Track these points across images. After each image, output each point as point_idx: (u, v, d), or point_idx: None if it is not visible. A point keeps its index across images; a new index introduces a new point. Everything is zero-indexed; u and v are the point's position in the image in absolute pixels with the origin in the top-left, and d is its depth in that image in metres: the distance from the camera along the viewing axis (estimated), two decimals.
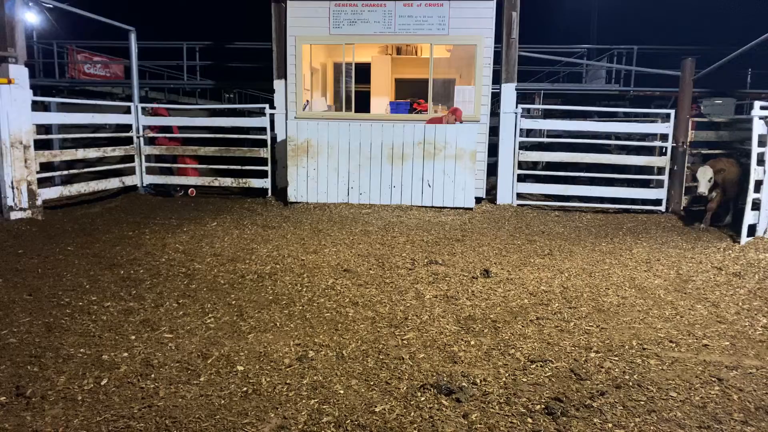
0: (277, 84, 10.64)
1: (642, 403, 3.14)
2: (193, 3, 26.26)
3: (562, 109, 12.93)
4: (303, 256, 6.22)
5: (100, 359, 3.60)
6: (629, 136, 11.10)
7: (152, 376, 3.39)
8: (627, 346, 3.91)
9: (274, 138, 10.47)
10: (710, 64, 10.05)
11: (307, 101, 10.92)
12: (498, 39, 10.05)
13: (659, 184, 9.58)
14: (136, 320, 4.29)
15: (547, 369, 3.55)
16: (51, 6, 10.03)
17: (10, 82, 7.50)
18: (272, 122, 10.37)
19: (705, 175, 7.91)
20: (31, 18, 15.84)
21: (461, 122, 9.41)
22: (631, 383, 3.36)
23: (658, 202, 9.55)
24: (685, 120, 9.28)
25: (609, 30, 19.44)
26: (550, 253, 6.63)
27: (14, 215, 7.64)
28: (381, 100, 11.44)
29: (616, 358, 3.71)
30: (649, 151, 10.23)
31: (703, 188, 7.90)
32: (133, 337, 3.97)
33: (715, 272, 5.84)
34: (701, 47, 13.81)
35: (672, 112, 9.41)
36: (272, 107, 10.44)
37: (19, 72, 7.65)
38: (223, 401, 3.11)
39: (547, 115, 13.23)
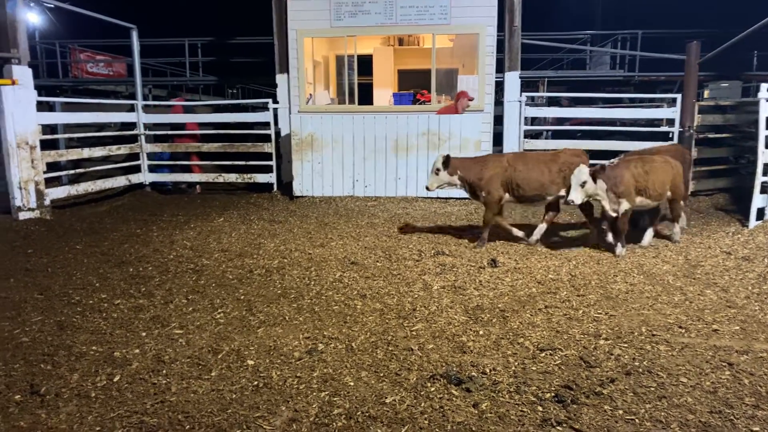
0: (280, 78, 10.61)
1: (652, 389, 3.14)
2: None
3: (566, 96, 12.84)
4: (310, 250, 6.23)
5: (112, 356, 3.63)
6: (635, 122, 11.02)
7: (164, 371, 3.42)
8: (636, 333, 3.91)
9: (278, 133, 10.46)
10: (716, 47, 9.93)
11: (310, 95, 10.90)
12: (500, 27, 9.97)
13: None
14: (147, 317, 4.33)
15: (556, 357, 3.55)
16: (52, 6, 10.04)
17: (14, 83, 7.53)
18: (276, 117, 10.36)
19: (434, 165, 6.35)
20: (33, 18, 15.86)
21: (470, 100, 9.30)
22: (641, 370, 3.36)
23: None
24: (692, 104, 9.19)
25: (613, 14, 19.25)
26: (557, 241, 6.60)
27: (23, 215, 7.69)
28: (384, 92, 11.39)
29: (626, 345, 3.71)
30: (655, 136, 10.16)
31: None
32: (144, 334, 4.00)
33: (724, 257, 5.81)
34: (706, 30, 13.66)
35: (678, 96, 9.33)
36: (275, 102, 10.42)
37: (22, 73, 7.67)
38: (234, 395, 3.13)
39: (552, 102, 13.16)
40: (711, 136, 9.48)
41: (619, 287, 4.91)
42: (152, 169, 10.60)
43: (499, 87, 10.69)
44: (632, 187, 5.79)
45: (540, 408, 2.97)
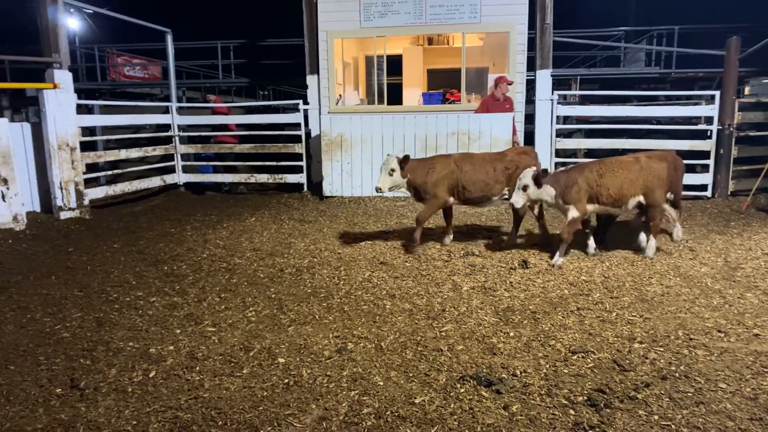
0: (310, 80, 10.71)
1: (689, 394, 3.05)
2: (227, 2, 26.66)
3: (599, 94, 12.58)
4: (339, 250, 6.27)
5: (148, 352, 3.73)
6: (671, 120, 10.73)
7: (197, 368, 3.49)
8: (672, 337, 3.81)
9: (308, 133, 10.56)
10: (757, 41, 9.60)
11: (340, 95, 10.96)
12: (532, 25, 9.85)
13: (704, 169, 9.24)
14: (181, 314, 4.42)
15: (588, 360, 3.49)
16: (91, 11, 10.36)
17: (55, 86, 7.79)
18: (306, 118, 10.46)
19: (387, 165, 5.96)
20: (73, 24, 16.38)
21: (510, 84, 9.13)
22: (677, 374, 3.27)
23: (703, 187, 9.22)
24: (731, 101, 8.91)
25: (648, 9, 18.74)
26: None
27: (63, 215, 7.95)
28: (413, 92, 11.38)
29: (662, 349, 3.62)
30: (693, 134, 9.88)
31: (380, 183, 5.93)
32: (178, 331, 4.09)
33: (765, 259, 5.60)
34: (747, 24, 13.20)
35: (717, 93, 9.05)
36: (306, 103, 10.52)
37: (63, 77, 7.93)
38: (265, 393, 3.18)
39: (585, 100, 12.91)
40: (752, 134, 9.18)
41: (654, 289, 4.79)
42: (189, 169, 10.84)
43: (531, 85, 10.56)
44: (582, 193, 5.43)
45: (572, 411, 2.92)
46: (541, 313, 4.30)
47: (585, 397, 3.03)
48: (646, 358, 3.49)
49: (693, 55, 13.66)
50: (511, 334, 3.92)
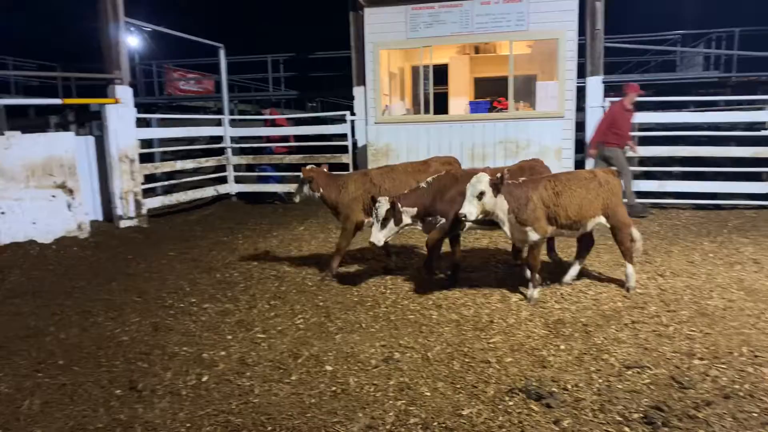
0: (357, 91, 10.83)
1: (755, 415, 2.89)
2: (276, 17, 27.39)
3: (654, 100, 12.17)
4: (386, 258, 6.28)
5: (201, 357, 3.84)
6: (732, 127, 10.24)
7: (248, 374, 3.57)
8: (736, 353, 3.62)
9: (355, 144, 10.67)
10: None
11: (386, 106, 11.03)
12: (582, 31, 9.64)
13: None
14: (232, 321, 4.54)
15: (644, 376, 3.36)
16: (150, 30, 10.87)
17: (117, 101, 8.20)
18: (353, 128, 10.58)
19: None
20: (132, 42, 17.21)
21: (641, 95, 8.76)
22: (741, 393, 3.10)
23: (767, 196, 8.75)
24: None
25: (706, 11, 18.03)
26: (644, 252, 6.25)
27: (123, 223, 8.33)
28: (460, 101, 11.31)
29: (724, 366, 3.44)
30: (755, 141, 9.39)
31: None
32: (230, 337, 4.20)
33: None
34: None
35: None
36: (353, 114, 10.65)
37: (124, 92, 8.34)
38: (313, 400, 3.21)
39: (638, 107, 12.51)
40: None
41: (715, 303, 4.57)
42: (241, 179, 11.16)
43: (581, 93, 10.31)
44: (541, 212, 4.57)
45: (627, 429, 2.81)
46: (593, 326, 4.17)
47: (641, 415, 2.92)
48: (707, 376, 3.33)
49: (755, 58, 13.03)
50: (562, 347, 3.82)
